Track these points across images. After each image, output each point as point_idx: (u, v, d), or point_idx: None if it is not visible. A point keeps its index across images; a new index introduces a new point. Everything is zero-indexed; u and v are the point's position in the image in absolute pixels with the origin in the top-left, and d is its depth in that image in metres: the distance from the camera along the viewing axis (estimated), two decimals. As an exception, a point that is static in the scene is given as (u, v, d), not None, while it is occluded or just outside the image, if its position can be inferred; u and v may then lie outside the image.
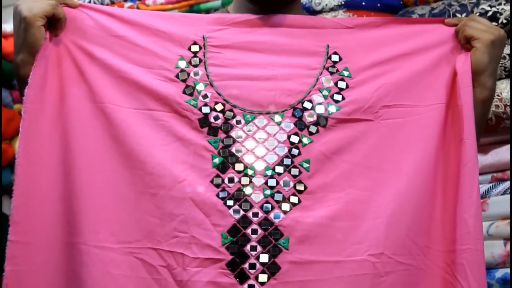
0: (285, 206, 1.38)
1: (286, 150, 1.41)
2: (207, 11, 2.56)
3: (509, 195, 2.11)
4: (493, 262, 2.09)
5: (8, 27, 2.63)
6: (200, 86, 1.44)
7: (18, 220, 1.36)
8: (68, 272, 1.37)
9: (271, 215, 1.38)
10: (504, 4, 2.12)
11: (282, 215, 1.38)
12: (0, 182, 2.44)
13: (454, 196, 1.41)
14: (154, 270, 1.36)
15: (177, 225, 1.37)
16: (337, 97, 1.45)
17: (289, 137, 1.42)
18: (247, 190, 1.39)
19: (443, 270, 1.40)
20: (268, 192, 1.39)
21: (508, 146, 2.14)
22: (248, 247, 1.36)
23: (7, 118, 2.59)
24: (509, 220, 2.09)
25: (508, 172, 2.16)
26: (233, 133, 1.42)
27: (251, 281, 1.35)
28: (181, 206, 1.37)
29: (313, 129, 1.43)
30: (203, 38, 1.48)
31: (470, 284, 1.36)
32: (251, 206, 1.38)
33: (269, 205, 1.38)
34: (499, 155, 2.18)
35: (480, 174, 1.76)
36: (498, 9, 2.12)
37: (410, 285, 1.40)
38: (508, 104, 2.09)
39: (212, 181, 1.39)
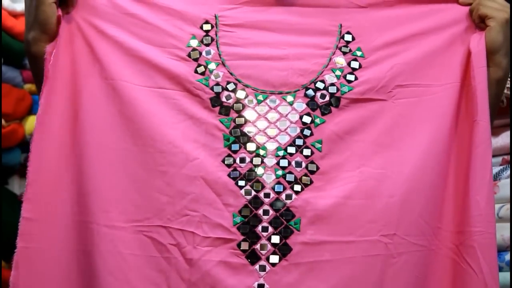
0: (297, 187, 1.38)
1: (298, 130, 1.41)
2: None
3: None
4: (503, 244, 2.08)
5: (18, 6, 2.62)
6: (212, 65, 1.44)
7: (31, 197, 1.36)
8: (78, 251, 1.37)
9: (283, 196, 1.37)
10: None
11: (294, 196, 1.37)
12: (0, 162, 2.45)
13: (466, 178, 1.40)
14: (164, 249, 1.35)
15: (187, 204, 1.36)
16: (350, 77, 1.44)
17: (301, 117, 1.41)
18: (259, 171, 1.38)
19: (452, 252, 1.39)
20: (280, 172, 1.38)
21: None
22: (259, 227, 1.36)
23: (17, 98, 2.58)
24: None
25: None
26: (245, 113, 1.41)
27: (262, 262, 1.35)
28: (192, 185, 1.37)
29: (325, 109, 1.42)
30: (215, 17, 1.47)
31: (481, 267, 1.35)
32: (263, 187, 1.37)
33: (280, 186, 1.38)
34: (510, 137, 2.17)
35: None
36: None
37: (422, 267, 1.39)
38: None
39: (223, 161, 1.38)
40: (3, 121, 2.53)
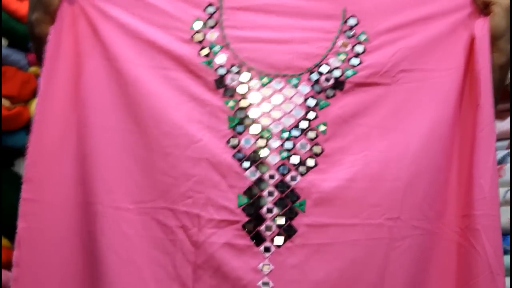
0: (302, 169, 1.38)
1: (303, 113, 1.41)
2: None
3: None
4: (509, 227, 2.09)
5: (23, -11, 2.63)
6: (216, 48, 1.44)
7: (31, 178, 1.37)
8: (82, 232, 1.38)
9: (288, 178, 1.38)
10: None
11: (298, 177, 1.38)
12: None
13: (470, 161, 1.40)
14: (170, 231, 1.36)
15: (192, 185, 1.37)
16: (354, 61, 1.44)
17: (306, 100, 1.42)
18: (264, 152, 1.38)
19: (457, 235, 1.40)
20: (284, 154, 1.39)
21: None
22: (264, 209, 1.37)
23: (23, 80, 2.60)
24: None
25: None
26: (249, 95, 1.41)
27: (267, 243, 1.36)
28: (197, 166, 1.37)
29: (330, 92, 1.42)
30: None
31: (486, 249, 1.36)
32: (268, 168, 1.38)
33: (285, 168, 1.38)
34: (517, 121, 2.17)
35: (497, 140, 1.76)
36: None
37: (425, 250, 1.40)
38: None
39: (228, 142, 1.39)
40: (8, 104, 2.54)
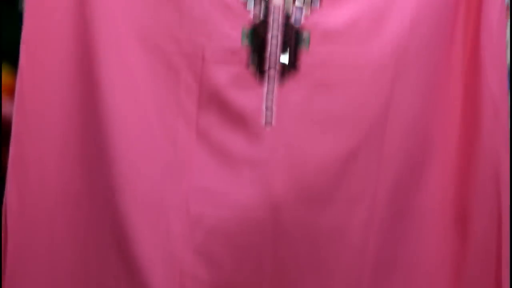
0: (307, 7, 1.37)
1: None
2: None
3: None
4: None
5: None
6: None
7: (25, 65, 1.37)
8: (83, 60, 1.37)
9: (293, 16, 1.37)
10: None
11: (303, 15, 1.37)
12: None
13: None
14: (173, 62, 1.37)
15: (196, 24, 1.36)
16: None
17: None
18: (268, -8, 1.38)
19: (462, 75, 1.41)
20: (289, -8, 1.38)
21: None
22: (268, 47, 1.37)
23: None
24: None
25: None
26: None
27: (271, 81, 1.37)
28: (200, 7, 1.36)
29: None
30: None
31: (491, 88, 1.39)
32: (273, 8, 1.37)
33: (290, 7, 1.37)
34: None
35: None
36: None
37: (431, 86, 1.41)
38: None
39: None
40: None
